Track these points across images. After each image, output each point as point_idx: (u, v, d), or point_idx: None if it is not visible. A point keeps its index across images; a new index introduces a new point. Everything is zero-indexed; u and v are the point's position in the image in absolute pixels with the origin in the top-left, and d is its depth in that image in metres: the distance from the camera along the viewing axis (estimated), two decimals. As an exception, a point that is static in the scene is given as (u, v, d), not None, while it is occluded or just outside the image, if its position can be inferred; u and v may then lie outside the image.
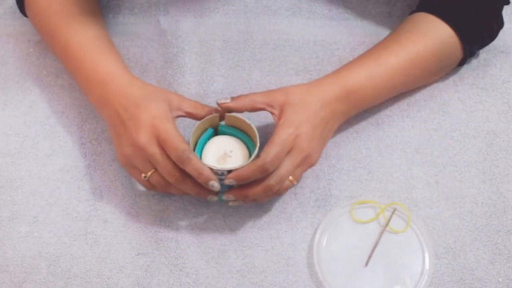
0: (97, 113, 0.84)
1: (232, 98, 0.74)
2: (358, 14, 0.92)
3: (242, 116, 0.75)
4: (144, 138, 0.71)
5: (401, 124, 0.84)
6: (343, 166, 0.81)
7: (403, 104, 0.85)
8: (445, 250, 0.76)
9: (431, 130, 0.84)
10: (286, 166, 0.71)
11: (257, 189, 0.72)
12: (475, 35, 0.82)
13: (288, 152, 0.71)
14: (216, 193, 0.74)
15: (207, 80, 0.87)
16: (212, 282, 0.75)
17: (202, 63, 0.88)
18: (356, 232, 0.77)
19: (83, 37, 0.79)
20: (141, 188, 0.80)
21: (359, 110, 0.80)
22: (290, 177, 0.72)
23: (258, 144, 0.73)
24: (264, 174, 0.70)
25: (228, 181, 0.71)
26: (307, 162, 0.73)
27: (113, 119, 0.75)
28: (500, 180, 0.80)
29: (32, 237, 0.77)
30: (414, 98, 0.85)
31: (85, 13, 0.81)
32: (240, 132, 0.76)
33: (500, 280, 0.75)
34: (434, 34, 0.79)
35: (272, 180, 0.71)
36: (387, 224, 0.77)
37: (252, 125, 0.73)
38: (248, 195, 0.72)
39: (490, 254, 0.76)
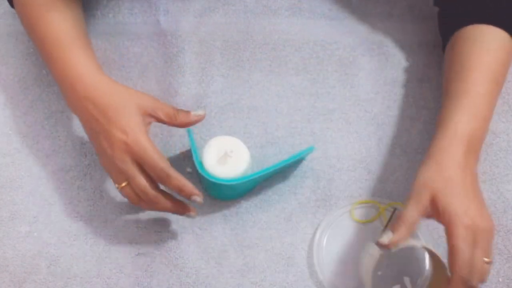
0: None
1: (393, 228, 0.67)
2: (358, 14, 0.92)
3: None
4: (117, 155, 0.69)
5: (401, 124, 0.84)
6: (343, 166, 0.81)
7: (403, 104, 0.85)
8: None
9: (431, 130, 0.84)
10: (479, 256, 0.64)
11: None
12: None
13: (475, 243, 0.65)
14: (195, 210, 0.73)
15: (207, 80, 0.87)
16: (212, 282, 0.75)
17: (202, 63, 0.88)
18: (357, 232, 0.77)
19: (56, 32, 0.76)
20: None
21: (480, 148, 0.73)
22: (485, 259, 0.65)
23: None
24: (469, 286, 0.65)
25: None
26: (490, 235, 0.67)
27: (86, 123, 0.73)
28: (500, 180, 0.80)
29: (32, 237, 0.77)
30: (414, 98, 0.85)
31: (63, 6, 0.78)
32: None
33: (500, 280, 0.75)
34: (498, 46, 0.75)
35: (474, 281, 0.65)
36: (387, 225, 0.77)
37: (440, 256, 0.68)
38: None
39: (490, 254, 0.76)
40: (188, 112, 0.74)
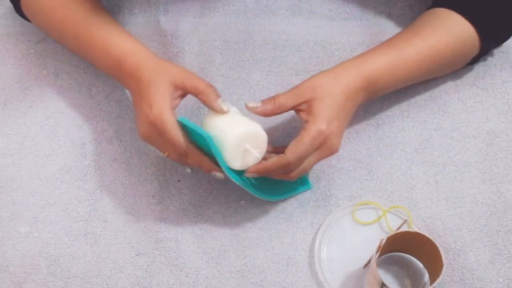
0: (97, 113, 0.85)
1: (262, 102, 0.73)
2: (358, 14, 0.92)
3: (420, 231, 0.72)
4: (143, 131, 0.73)
5: (401, 124, 0.84)
6: (343, 166, 0.81)
7: (403, 104, 0.85)
8: (445, 250, 0.76)
9: (431, 130, 0.84)
10: (311, 162, 0.73)
11: (275, 175, 0.73)
12: (494, 32, 0.81)
13: (316, 148, 0.72)
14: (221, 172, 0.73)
15: (207, 80, 0.86)
16: (212, 282, 0.75)
17: (202, 63, 0.88)
18: (357, 233, 0.77)
19: (90, 25, 0.80)
20: (141, 188, 0.80)
21: (373, 99, 0.80)
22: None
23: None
24: (286, 171, 0.72)
25: (249, 175, 0.72)
26: (330, 155, 0.74)
27: (132, 97, 0.77)
28: (500, 180, 0.80)
29: (32, 237, 0.77)
30: (414, 98, 0.85)
31: (87, 3, 0.81)
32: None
33: (500, 280, 0.75)
34: (455, 31, 0.80)
35: (293, 173, 0.72)
36: (390, 228, 0.77)
37: (437, 244, 0.69)
38: (265, 174, 0.73)
39: (490, 254, 0.76)
40: (216, 96, 0.72)
